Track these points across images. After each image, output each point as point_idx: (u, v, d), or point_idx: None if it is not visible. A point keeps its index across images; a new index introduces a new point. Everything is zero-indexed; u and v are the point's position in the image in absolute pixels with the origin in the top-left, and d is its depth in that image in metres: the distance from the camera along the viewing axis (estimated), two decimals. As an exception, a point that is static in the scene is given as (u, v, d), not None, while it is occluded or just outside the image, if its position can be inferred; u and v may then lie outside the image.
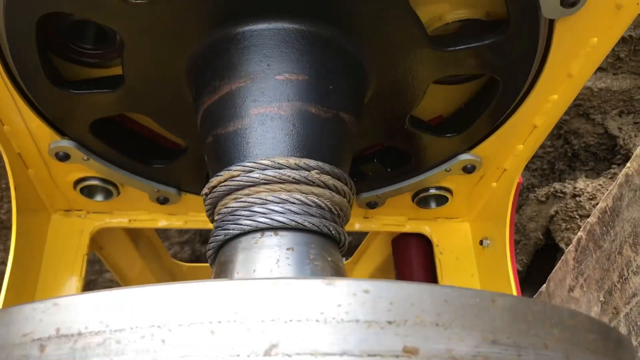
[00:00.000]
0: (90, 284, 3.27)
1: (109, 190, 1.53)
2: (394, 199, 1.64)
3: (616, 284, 1.37)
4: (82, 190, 1.53)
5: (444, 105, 1.41)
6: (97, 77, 1.26)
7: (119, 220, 1.68)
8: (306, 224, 0.96)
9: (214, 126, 1.08)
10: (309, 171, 0.99)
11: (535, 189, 2.76)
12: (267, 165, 0.98)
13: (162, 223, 1.70)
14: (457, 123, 1.40)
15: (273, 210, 0.95)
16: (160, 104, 1.25)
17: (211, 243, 1.00)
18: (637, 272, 1.28)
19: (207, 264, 1.08)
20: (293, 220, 0.95)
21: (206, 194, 1.04)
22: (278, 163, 0.98)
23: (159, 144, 1.45)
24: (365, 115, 1.22)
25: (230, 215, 0.98)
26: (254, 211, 0.96)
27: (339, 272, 0.98)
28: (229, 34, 1.07)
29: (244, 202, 0.97)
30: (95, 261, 3.05)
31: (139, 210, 1.67)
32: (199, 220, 1.70)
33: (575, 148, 2.75)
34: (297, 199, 0.97)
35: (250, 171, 0.98)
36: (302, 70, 1.05)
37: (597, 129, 2.69)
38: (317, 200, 0.99)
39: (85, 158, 1.38)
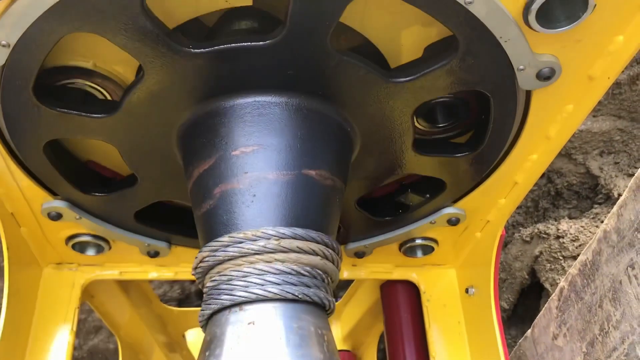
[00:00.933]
0: (79, 324, 3.26)
1: (100, 245, 1.56)
2: (382, 247, 1.67)
3: (597, 336, 1.41)
4: (74, 246, 1.55)
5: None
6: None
7: (110, 272, 1.70)
8: (267, 294, 0.98)
9: (194, 207, 1.14)
10: (268, 239, 1.01)
11: (520, 227, 2.80)
12: (228, 243, 1.02)
13: (153, 275, 1.72)
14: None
15: (236, 286, 0.99)
16: (175, 189, 1.33)
17: (199, 321, 1.05)
18: (617, 326, 1.32)
19: (196, 309, 1.12)
20: (253, 293, 0.98)
21: (194, 274, 1.08)
22: (236, 238, 1.02)
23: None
24: (365, 157, 1.26)
25: (207, 295, 1.03)
26: (221, 289, 1.00)
27: (305, 340, 0.98)
28: (191, 122, 1.13)
29: (215, 280, 1.02)
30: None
31: (130, 262, 1.70)
32: (189, 271, 1.71)
33: (559, 187, 2.81)
34: (260, 270, 0.99)
35: (215, 250, 1.03)
36: (254, 141, 1.09)
37: (579, 168, 2.75)
38: (281, 267, 1.00)
39: (77, 217, 1.41)
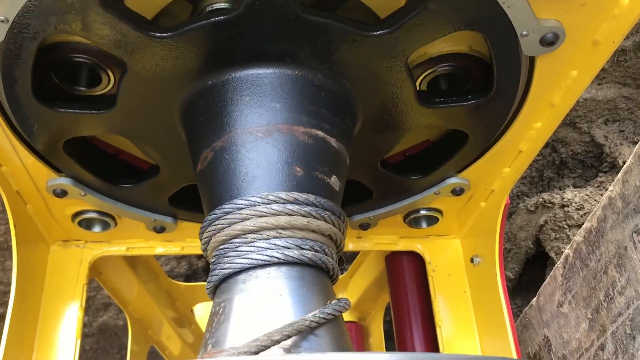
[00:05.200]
0: (88, 300, 3.29)
1: (107, 222, 1.56)
2: (386, 218, 1.68)
3: (602, 302, 1.41)
4: (80, 223, 1.56)
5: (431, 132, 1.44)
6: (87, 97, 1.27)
7: (117, 248, 1.71)
8: (271, 259, 0.99)
9: (197, 176, 1.14)
10: (269, 204, 1.01)
11: (525, 197, 2.80)
12: (229, 210, 1.03)
13: (159, 250, 1.73)
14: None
15: (240, 253, 1.01)
16: (150, 132, 1.28)
17: (207, 286, 1.06)
18: (622, 292, 1.32)
19: (204, 284, 1.13)
20: (257, 259, 0.99)
21: (201, 244, 1.09)
22: (237, 205, 1.02)
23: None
24: (370, 127, 1.25)
25: (213, 265, 1.05)
26: (226, 258, 1.02)
27: (309, 303, 1.00)
28: (198, 88, 1.12)
29: (219, 250, 1.04)
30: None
31: (136, 238, 1.71)
32: (196, 246, 1.73)
33: (563, 156, 2.80)
34: (263, 236, 1.01)
35: (218, 218, 1.04)
36: (257, 110, 1.09)
37: (584, 137, 2.73)
38: (284, 232, 1.01)
39: (82, 194, 1.41)
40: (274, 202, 1.01)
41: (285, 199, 1.02)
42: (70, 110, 1.20)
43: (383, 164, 1.41)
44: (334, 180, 1.13)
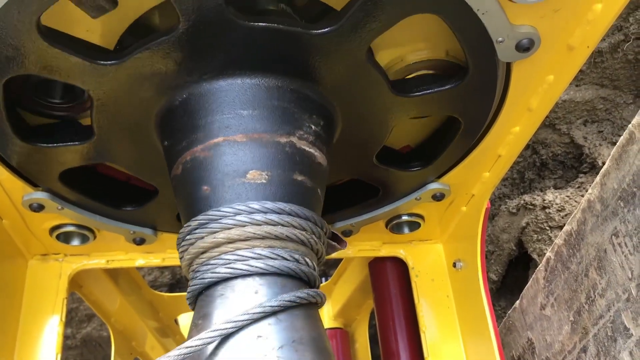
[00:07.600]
0: (71, 312, 3.25)
1: (85, 235, 1.54)
2: (368, 225, 1.67)
3: (584, 304, 1.42)
4: (58, 237, 1.54)
5: (412, 136, 1.44)
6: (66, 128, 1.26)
7: (97, 261, 1.69)
8: (250, 269, 0.98)
9: (175, 189, 1.13)
10: (250, 214, 1.00)
11: (506, 199, 2.81)
12: (207, 220, 1.01)
13: (140, 262, 1.71)
14: (425, 153, 1.43)
15: (218, 263, 1.00)
16: (131, 153, 1.27)
17: (187, 302, 1.05)
18: (603, 294, 1.33)
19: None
20: (235, 269, 0.98)
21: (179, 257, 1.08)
22: (219, 213, 1.01)
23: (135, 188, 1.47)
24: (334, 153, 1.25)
25: (192, 276, 1.04)
26: (204, 268, 1.02)
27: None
28: (171, 100, 1.11)
29: (197, 261, 1.03)
30: (75, 289, 3.04)
31: (116, 250, 1.68)
32: (176, 257, 1.70)
33: (544, 157, 2.82)
34: (241, 246, 0.99)
35: (196, 228, 1.03)
36: (233, 121, 1.08)
37: (564, 138, 2.76)
38: (263, 242, 0.99)
39: (59, 207, 1.39)
40: (256, 212, 1.00)
41: (267, 209, 1.01)
42: (50, 145, 1.19)
43: (381, 158, 1.36)
44: (311, 188, 1.12)
